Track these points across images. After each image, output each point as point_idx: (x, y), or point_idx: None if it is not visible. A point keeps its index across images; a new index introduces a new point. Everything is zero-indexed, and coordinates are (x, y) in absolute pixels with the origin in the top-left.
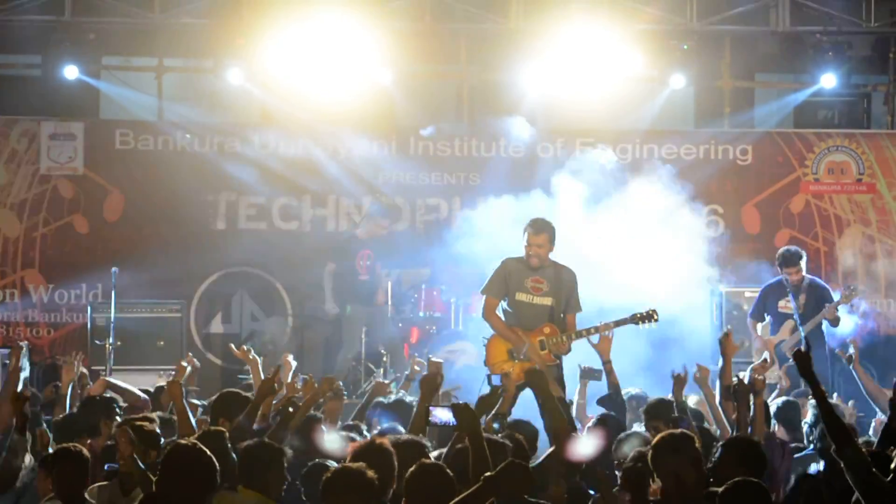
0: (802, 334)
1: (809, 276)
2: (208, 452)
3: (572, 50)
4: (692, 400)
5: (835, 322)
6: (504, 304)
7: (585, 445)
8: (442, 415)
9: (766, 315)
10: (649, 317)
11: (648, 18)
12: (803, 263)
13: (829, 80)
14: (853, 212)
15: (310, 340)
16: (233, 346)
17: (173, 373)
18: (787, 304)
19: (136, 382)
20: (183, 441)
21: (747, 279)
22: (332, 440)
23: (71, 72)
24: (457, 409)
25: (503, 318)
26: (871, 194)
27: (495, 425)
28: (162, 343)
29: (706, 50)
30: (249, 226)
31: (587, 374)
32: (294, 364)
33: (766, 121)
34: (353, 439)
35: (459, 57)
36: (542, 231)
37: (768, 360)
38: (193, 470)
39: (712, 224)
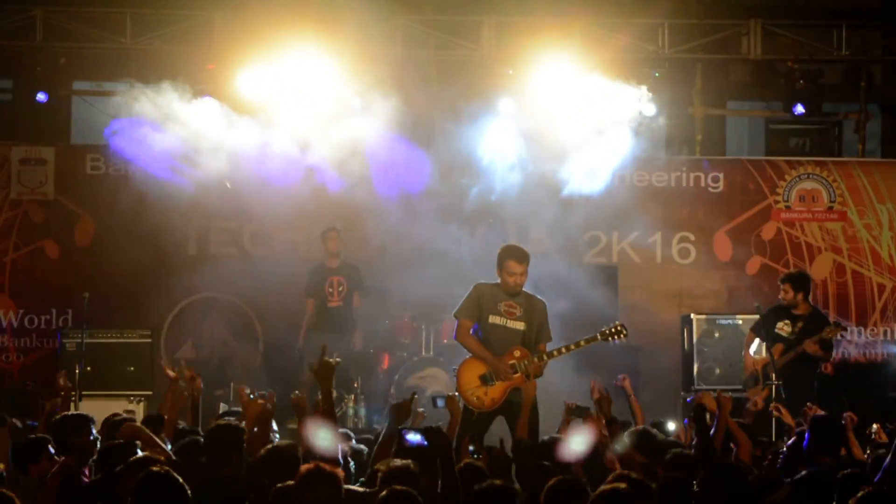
0: (773, 361)
1: (814, 306)
2: (180, 480)
3: (544, 76)
4: (670, 426)
5: (818, 354)
6: (476, 327)
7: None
8: (413, 437)
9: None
10: (617, 332)
11: (620, 46)
12: (791, 286)
13: (800, 108)
14: (824, 239)
15: (280, 367)
16: (169, 368)
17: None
18: (784, 326)
19: (106, 408)
20: (155, 468)
21: (718, 306)
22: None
23: (42, 96)
24: (429, 432)
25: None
26: (842, 222)
27: (471, 448)
28: (132, 369)
29: (678, 77)
30: (220, 251)
31: (575, 412)
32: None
33: (738, 148)
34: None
35: (431, 83)
36: (524, 260)
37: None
38: (165, 498)
39: (684, 251)
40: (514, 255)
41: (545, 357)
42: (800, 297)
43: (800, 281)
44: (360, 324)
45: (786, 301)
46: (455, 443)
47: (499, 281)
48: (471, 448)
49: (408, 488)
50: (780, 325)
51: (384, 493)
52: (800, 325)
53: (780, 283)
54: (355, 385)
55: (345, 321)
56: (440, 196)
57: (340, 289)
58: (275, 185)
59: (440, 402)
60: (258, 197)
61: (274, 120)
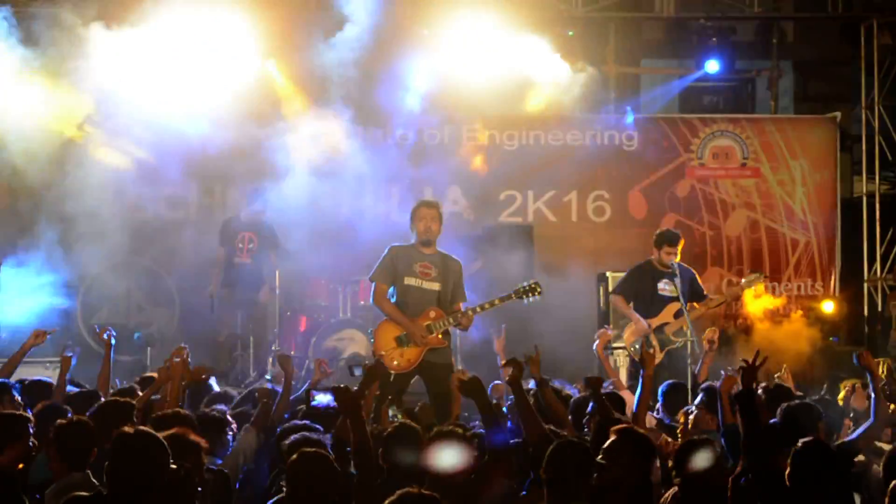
0: (689, 324)
1: (678, 262)
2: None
3: (459, 37)
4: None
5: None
6: (392, 289)
7: None
8: (322, 398)
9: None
10: (532, 290)
11: (534, 5)
12: (680, 247)
13: (713, 66)
14: (738, 196)
15: (197, 331)
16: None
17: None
18: (666, 287)
19: (22, 374)
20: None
21: (633, 263)
22: None
23: None
24: (337, 392)
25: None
26: (756, 178)
27: (391, 412)
28: (49, 335)
29: (591, 36)
30: (136, 215)
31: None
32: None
33: (652, 106)
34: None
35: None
36: (433, 205)
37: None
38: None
39: (599, 209)
40: (423, 203)
41: (459, 316)
42: None
43: (679, 239)
44: (268, 279)
45: (668, 263)
46: (374, 405)
47: (413, 241)
48: (390, 412)
49: (318, 450)
50: (660, 286)
51: (294, 456)
52: (678, 280)
53: (666, 246)
54: (273, 348)
55: (252, 277)
56: (355, 158)
57: (251, 245)
58: (190, 145)
59: (357, 371)
60: (174, 158)
61: (181, 79)
